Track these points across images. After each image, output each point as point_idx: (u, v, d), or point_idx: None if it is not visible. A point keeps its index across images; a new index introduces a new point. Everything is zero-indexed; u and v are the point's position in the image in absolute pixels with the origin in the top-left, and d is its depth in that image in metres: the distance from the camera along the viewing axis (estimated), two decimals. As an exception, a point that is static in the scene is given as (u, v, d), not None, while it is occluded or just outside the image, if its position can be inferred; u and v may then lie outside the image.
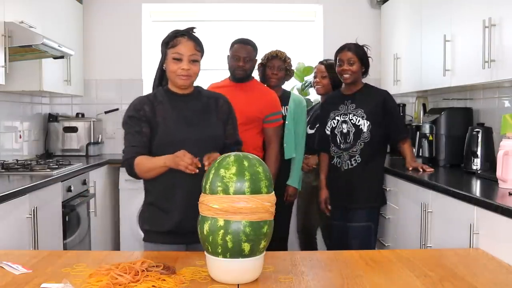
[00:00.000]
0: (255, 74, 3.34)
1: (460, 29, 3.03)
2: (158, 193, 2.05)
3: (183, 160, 1.78)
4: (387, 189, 3.26)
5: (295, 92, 4.56)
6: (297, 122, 3.41)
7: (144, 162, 1.94)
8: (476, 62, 2.74)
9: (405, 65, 4.01)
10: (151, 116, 1.99)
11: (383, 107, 3.07)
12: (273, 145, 3.15)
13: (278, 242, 3.39)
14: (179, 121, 2.01)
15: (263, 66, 3.48)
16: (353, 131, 3.06)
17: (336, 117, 3.12)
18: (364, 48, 3.12)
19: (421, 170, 3.00)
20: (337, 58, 3.12)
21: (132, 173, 1.98)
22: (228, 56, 3.17)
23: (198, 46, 2.01)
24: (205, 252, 1.48)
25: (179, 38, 1.99)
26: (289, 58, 3.52)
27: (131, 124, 2.00)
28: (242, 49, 3.10)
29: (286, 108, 3.41)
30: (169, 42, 2.00)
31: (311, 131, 3.56)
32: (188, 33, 2.02)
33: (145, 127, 1.98)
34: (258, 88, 3.19)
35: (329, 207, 3.20)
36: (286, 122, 3.37)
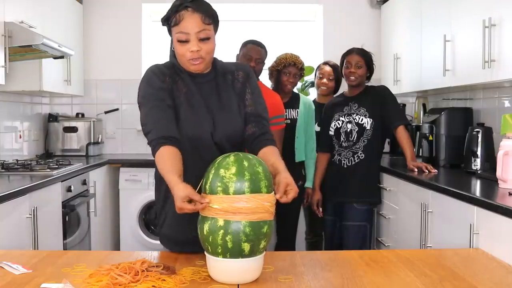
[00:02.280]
0: (263, 77, 3.34)
1: (460, 29, 3.03)
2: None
3: (179, 207, 1.45)
4: (387, 188, 3.26)
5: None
6: (307, 125, 3.42)
7: (160, 164, 1.58)
8: (476, 62, 2.74)
9: (405, 65, 4.01)
10: (174, 93, 1.70)
11: (381, 99, 3.17)
12: None
13: (287, 242, 3.40)
14: (201, 109, 1.70)
15: (278, 72, 3.46)
16: (356, 130, 3.14)
17: (341, 118, 3.21)
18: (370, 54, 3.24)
19: (426, 171, 3.00)
20: (345, 60, 3.21)
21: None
22: (237, 55, 3.14)
23: (208, 18, 1.63)
24: (205, 252, 1.48)
25: (181, 12, 1.61)
26: (303, 64, 3.50)
27: (157, 96, 1.65)
28: (255, 50, 3.10)
29: (297, 111, 3.41)
30: (170, 18, 1.64)
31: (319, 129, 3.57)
32: (192, 3, 1.62)
33: (171, 100, 1.68)
34: (263, 91, 3.16)
35: (320, 209, 3.32)
36: (297, 125, 3.38)
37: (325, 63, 3.76)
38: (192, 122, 1.68)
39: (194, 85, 1.72)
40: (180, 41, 1.63)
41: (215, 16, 1.68)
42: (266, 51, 3.16)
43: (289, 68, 3.38)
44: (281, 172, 1.55)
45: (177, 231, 1.77)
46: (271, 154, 1.66)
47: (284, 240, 3.40)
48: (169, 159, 1.57)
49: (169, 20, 1.66)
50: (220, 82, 1.76)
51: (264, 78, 3.46)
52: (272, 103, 3.09)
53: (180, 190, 1.44)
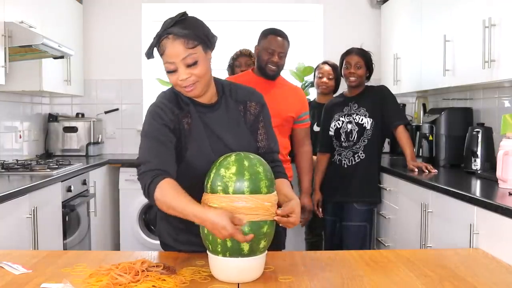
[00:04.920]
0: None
1: (460, 29, 3.03)
2: None
3: (221, 233, 1.38)
4: (387, 188, 3.26)
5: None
6: None
7: (168, 198, 1.49)
8: (476, 62, 2.74)
9: (405, 65, 4.01)
10: (179, 132, 1.64)
11: (380, 99, 3.17)
12: (308, 148, 2.93)
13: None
14: (208, 146, 1.65)
15: (230, 68, 3.44)
16: (356, 130, 3.14)
17: (341, 118, 3.21)
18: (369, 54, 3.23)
19: (426, 171, 3.00)
20: (344, 61, 3.20)
21: (150, 200, 1.56)
22: (256, 47, 2.81)
23: (192, 41, 1.53)
24: (207, 250, 1.48)
25: (163, 42, 1.54)
26: (251, 52, 3.44)
27: (161, 130, 1.59)
28: (278, 43, 2.73)
29: None
30: (156, 47, 1.58)
31: (318, 129, 3.57)
32: (173, 28, 1.53)
33: (173, 137, 1.62)
34: (288, 85, 2.90)
35: (320, 209, 3.29)
36: None
37: (324, 63, 3.77)
38: (198, 156, 1.64)
39: (200, 118, 1.66)
40: (169, 72, 1.57)
41: (201, 35, 1.56)
42: (288, 42, 2.80)
43: (238, 60, 3.38)
44: (293, 199, 1.56)
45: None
46: (282, 185, 1.65)
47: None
48: (179, 190, 1.50)
49: (157, 48, 1.59)
50: (230, 112, 1.71)
51: (286, 74, 3.28)
52: (301, 98, 2.90)
53: (220, 215, 1.37)
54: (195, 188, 1.54)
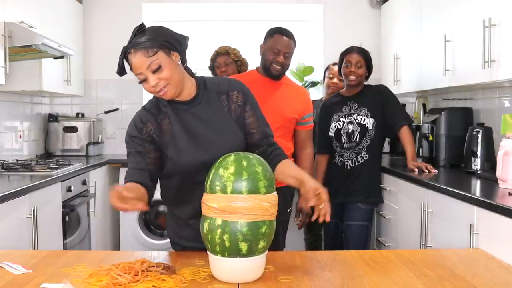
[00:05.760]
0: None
1: (460, 29, 3.03)
2: (178, 207, 1.82)
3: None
4: (387, 188, 3.26)
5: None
6: None
7: None
8: (476, 62, 2.74)
9: (405, 65, 4.01)
10: (157, 136, 1.71)
11: (381, 99, 3.15)
12: (310, 150, 2.90)
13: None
14: (189, 144, 1.70)
15: (212, 70, 3.44)
16: (358, 130, 3.12)
17: (341, 119, 3.17)
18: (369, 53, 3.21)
19: (426, 171, 2.99)
20: (344, 59, 3.17)
21: None
22: (261, 45, 2.75)
23: (150, 49, 1.59)
24: (207, 250, 1.49)
25: (129, 57, 1.64)
26: (233, 49, 3.42)
27: (133, 144, 1.71)
28: (284, 43, 2.66)
29: None
30: (128, 64, 1.66)
31: None
32: (132, 44, 1.63)
33: (148, 146, 1.70)
34: (293, 86, 2.85)
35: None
36: None
37: (335, 64, 3.75)
38: (179, 154, 1.69)
39: (178, 116, 1.72)
40: (141, 82, 1.65)
41: (160, 41, 1.61)
42: (295, 42, 2.73)
43: (217, 60, 3.35)
44: (305, 181, 1.59)
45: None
46: (288, 168, 1.69)
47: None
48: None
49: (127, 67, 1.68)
50: (211, 104, 1.74)
51: (286, 74, 3.24)
52: (306, 99, 2.87)
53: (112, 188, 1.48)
54: (186, 185, 1.70)
